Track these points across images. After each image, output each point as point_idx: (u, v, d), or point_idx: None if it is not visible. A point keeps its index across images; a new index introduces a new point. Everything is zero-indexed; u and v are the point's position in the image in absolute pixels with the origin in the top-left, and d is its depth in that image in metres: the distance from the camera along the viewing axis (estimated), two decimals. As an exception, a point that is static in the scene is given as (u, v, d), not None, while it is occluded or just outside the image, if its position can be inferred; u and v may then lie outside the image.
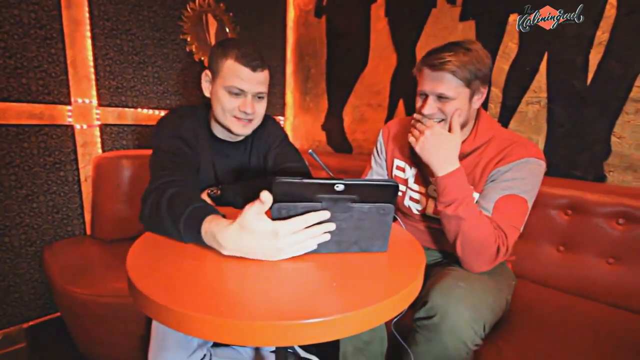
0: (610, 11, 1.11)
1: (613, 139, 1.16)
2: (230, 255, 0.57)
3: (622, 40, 1.10)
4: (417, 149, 0.84)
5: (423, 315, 0.77)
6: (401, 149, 1.04)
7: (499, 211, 0.81)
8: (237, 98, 0.85)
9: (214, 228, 0.57)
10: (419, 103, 0.88)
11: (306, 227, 0.55)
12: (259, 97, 0.89)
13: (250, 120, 0.89)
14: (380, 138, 1.10)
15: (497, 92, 1.39)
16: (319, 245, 0.58)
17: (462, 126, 0.87)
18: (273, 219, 0.55)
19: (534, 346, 0.83)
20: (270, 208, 0.54)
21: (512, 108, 1.36)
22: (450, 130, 0.84)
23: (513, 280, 0.97)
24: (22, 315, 1.33)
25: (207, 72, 0.89)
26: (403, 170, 1.03)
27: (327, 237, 0.58)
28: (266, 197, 0.52)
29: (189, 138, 0.89)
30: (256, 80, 0.85)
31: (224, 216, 0.61)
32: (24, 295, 1.33)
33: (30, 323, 1.35)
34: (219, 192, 0.89)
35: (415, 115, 0.88)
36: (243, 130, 0.90)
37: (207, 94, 0.90)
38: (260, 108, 0.90)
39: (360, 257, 0.60)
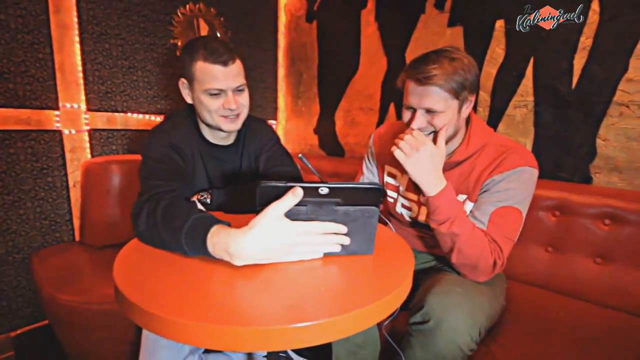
0: (593, 17, 1.14)
1: (598, 141, 1.18)
2: (242, 265, 0.54)
3: (605, 45, 1.13)
4: (408, 167, 0.80)
5: (419, 319, 0.77)
6: (393, 155, 1.03)
7: (494, 224, 0.81)
8: (219, 98, 0.85)
9: (224, 240, 0.53)
10: (406, 116, 0.86)
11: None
12: (239, 90, 0.87)
13: (237, 115, 0.89)
14: (371, 144, 1.10)
15: (485, 96, 1.41)
16: None
17: (452, 137, 0.87)
18: None
19: (526, 349, 0.83)
20: (256, 212, 0.54)
21: (500, 111, 1.38)
22: (435, 143, 0.82)
23: (505, 283, 0.98)
24: (9, 324, 1.31)
25: (183, 80, 0.87)
26: (395, 177, 1.03)
27: (338, 247, 0.59)
28: (299, 192, 0.52)
29: (181, 146, 0.89)
30: (231, 75, 0.83)
31: (229, 224, 0.58)
32: (12, 303, 1.30)
33: (18, 331, 1.33)
34: (209, 197, 0.88)
35: (411, 129, 0.83)
36: (233, 126, 0.89)
37: (189, 101, 0.90)
38: (244, 100, 0.89)
39: (348, 260, 0.60)
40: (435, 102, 0.79)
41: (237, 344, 0.43)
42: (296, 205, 0.54)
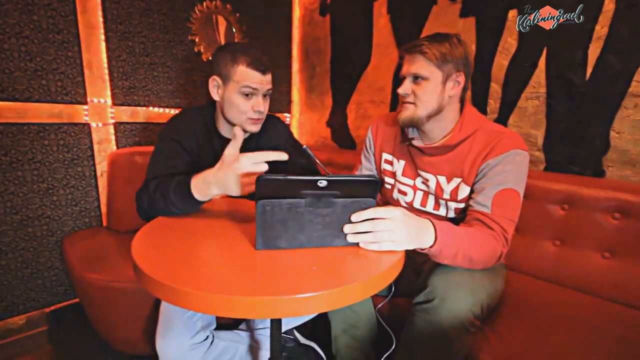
0: (609, 5, 1.11)
1: (612, 134, 1.16)
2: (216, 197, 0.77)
3: (621, 34, 1.10)
4: (404, 245, 0.64)
5: (422, 299, 0.79)
6: (389, 142, 1.07)
7: (497, 206, 0.82)
8: (250, 99, 0.93)
9: (201, 176, 0.74)
10: (399, 89, 0.93)
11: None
12: (266, 95, 0.97)
13: (261, 119, 0.97)
14: (369, 133, 1.13)
15: (496, 88, 1.40)
16: (303, 240, 0.62)
17: (436, 112, 0.90)
18: (257, 216, 0.59)
19: (520, 336, 0.85)
20: (256, 204, 0.58)
21: (512, 103, 1.37)
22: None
23: (504, 269, 1.00)
24: (44, 301, 1.43)
25: (216, 77, 0.94)
26: (391, 163, 1.06)
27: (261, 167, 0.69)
28: (237, 130, 0.73)
29: (187, 142, 0.96)
30: (266, 81, 0.94)
31: None
32: (46, 281, 1.43)
33: (52, 308, 1.45)
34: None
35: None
36: (255, 127, 0.97)
37: (216, 98, 0.96)
38: (267, 104, 0.99)
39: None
40: (419, 67, 0.87)
41: (243, 311, 0.48)
42: (296, 198, 0.59)
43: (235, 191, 0.70)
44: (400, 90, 0.91)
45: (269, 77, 0.94)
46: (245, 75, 0.90)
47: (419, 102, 0.89)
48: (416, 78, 0.89)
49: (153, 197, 0.80)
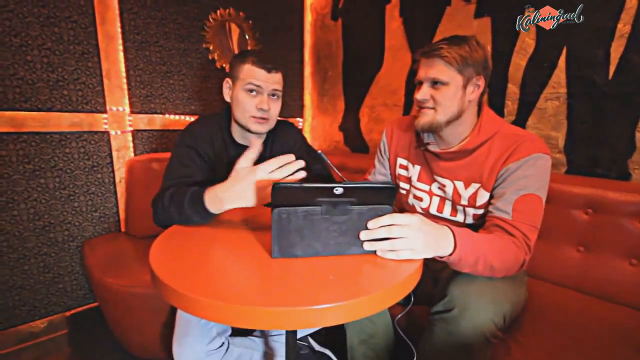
0: (632, 2, 1.07)
1: (637, 135, 1.11)
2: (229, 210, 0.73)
3: (646, 32, 1.06)
4: (421, 254, 0.63)
5: (441, 308, 0.77)
6: (404, 147, 1.05)
7: (518, 212, 0.80)
8: (255, 97, 0.94)
9: (213, 191, 0.73)
10: (416, 94, 0.90)
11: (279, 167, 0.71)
12: (274, 96, 0.97)
13: (266, 119, 0.96)
14: (383, 137, 1.12)
15: (514, 89, 1.36)
16: (319, 248, 0.61)
17: (456, 117, 0.87)
18: (273, 224, 0.58)
19: (545, 348, 0.82)
20: (271, 212, 0.58)
21: (531, 104, 1.33)
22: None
23: (526, 277, 0.96)
24: (64, 304, 1.47)
25: (228, 79, 0.98)
26: (406, 168, 1.04)
27: (302, 174, 0.71)
28: (254, 140, 0.75)
29: (203, 148, 0.98)
30: (271, 80, 0.94)
31: None
32: (67, 286, 1.47)
33: (72, 311, 1.48)
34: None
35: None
36: (260, 128, 0.97)
37: (227, 99, 1.00)
38: (275, 107, 0.98)
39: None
40: (438, 71, 0.84)
41: (259, 322, 0.47)
42: (312, 205, 0.58)
43: (252, 203, 0.70)
44: (419, 96, 0.88)
45: (276, 76, 0.95)
46: (251, 72, 0.92)
47: (439, 108, 0.86)
48: (435, 83, 0.86)
49: (168, 209, 0.80)
